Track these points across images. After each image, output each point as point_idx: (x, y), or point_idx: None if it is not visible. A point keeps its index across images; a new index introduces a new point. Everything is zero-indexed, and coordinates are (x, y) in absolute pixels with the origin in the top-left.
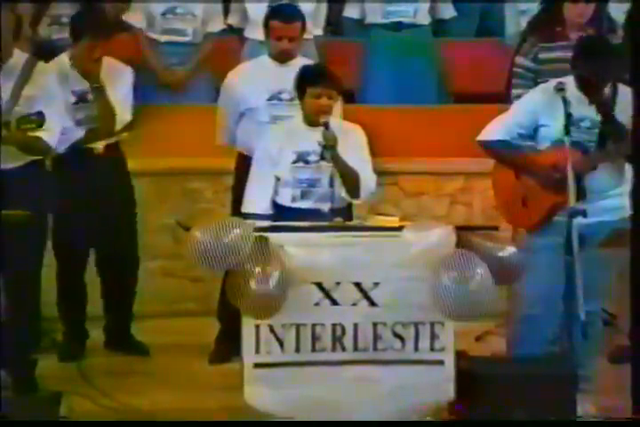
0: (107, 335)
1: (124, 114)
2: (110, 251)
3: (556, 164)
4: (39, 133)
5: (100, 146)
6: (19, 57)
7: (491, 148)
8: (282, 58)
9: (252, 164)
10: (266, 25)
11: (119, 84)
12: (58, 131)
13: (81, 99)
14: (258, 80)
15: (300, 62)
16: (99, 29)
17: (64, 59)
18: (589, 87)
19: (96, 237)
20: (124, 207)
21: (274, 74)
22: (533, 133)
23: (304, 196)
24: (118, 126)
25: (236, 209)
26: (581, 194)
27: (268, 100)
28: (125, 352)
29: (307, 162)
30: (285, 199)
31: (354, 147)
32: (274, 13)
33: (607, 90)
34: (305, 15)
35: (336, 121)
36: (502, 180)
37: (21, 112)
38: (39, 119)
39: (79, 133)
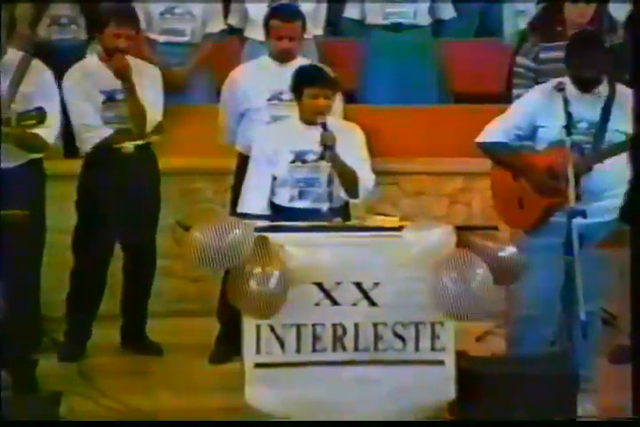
0: (123, 336)
1: (154, 114)
2: (135, 250)
3: (551, 166)
4: (38, 130)
5: (129, 146)
6: (12, 55)
7: (489, 150)
8: (282, 58)
9: (249, 164)
10: (266, 25)
11: (149, 85)
12: (56, 127)
13: (110, 98)
14: (259, 80)
15: (300, 62)
16: (124, 16)
17: (93, 58)
18: (586, 84)
19: (121, 236)
20: (151, 207)
21: (274, 74)
22: (531, 135)
23: (302, 195)
24: (149, 127)
25: (236, 209)
26: (578, 195)
27: (269, 100)
28: (140, 353)
29: (304, 161)
30: (283, 199)
31: (352, 146)
32: (274, 13)
33: (605, 90)
34: (305, 15)
35: (334, 120)
36: (500, 181)
37: (19, 109)
38: (40, 115)
39: (107, 132)
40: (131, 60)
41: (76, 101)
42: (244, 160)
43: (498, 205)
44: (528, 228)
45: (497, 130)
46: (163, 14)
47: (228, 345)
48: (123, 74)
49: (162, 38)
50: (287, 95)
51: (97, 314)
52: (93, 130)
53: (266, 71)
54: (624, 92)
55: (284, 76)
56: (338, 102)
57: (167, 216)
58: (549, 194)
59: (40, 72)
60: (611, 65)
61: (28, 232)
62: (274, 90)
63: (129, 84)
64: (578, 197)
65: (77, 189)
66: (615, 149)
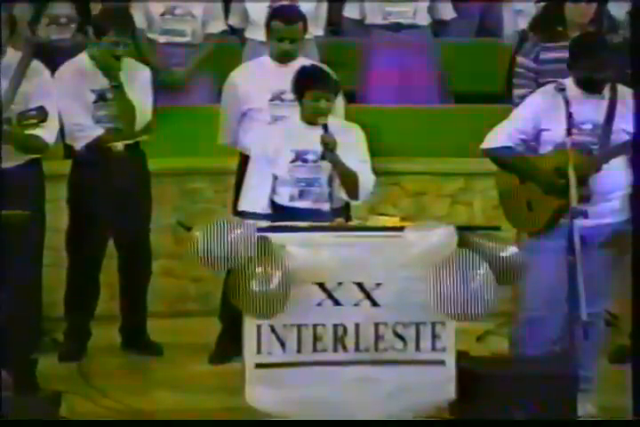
0: (123, 336)
1: (144, 113)
2: (129, 249)
3: (558, 167)
4: (38, 131)
5: (119, 145)
6: (12, 56)
7: (494, 155)
8: (283, 59)
9: (250, 163)
10: (267, 26)
11: (139, 84)
12: (55, 128)
13: (101, 97)
14: (260, 80)
15: (301, 63)
16: (123, 26)
17: (84, 57)
18: (591, 86)
19: (113, 235)
20: (142, 206)
21: (275, 74)
22: (535, 138)
23: (302, 195)
24: (138, 126)
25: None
26: (586, 196)
27: (270, 100)
28: (140, 353)
29: (305, 161)
30: (283, 198)
31: (353, 147)
32: (275, 15)
33: (607, 91)
34: (305, 15)
35: (335, 120)
36: (506, 184)
37: (19, 110)
38: (41, 114)
39: (98, 131)
40: (123, 59)
41: (67, 100)
42: (245, 160)
43: (506, 209)
44: (538, 230)
45: (501, 135)
46: (163, 15)
47: (229, 345)
48: (110, 73)
49: (162, 39)
50: (288, 95)
51: (94, 313)
52: (84, 129)
53: (267, 72)
54: (626, 92)
55: (284, 76)
56: (340, 103)
57: (168, 216)
58: (560, 195)
59: (39, 73)
60: (614, 66)
61: (29, 232)
62: (275, 90)
63: (117, 82)
64: (587, 198)
65: (67, 187)
66: (621, 149)
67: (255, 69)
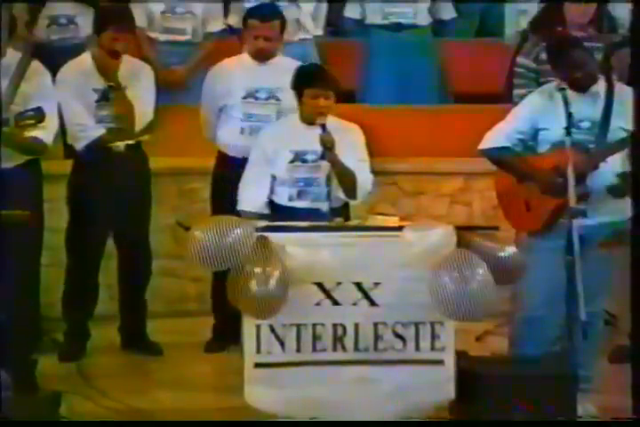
0: (122, 336)
1: (144, 113)
2: (129, 249)
3: (556, 166)
4: (37, 132)
5: (120, 145)
6: (12, 56)
7: (492, 156)
8: (259, 57)
9: (248, 162)
10: (244, 24)
11: (140, 83)
12: (54, 129)
13: (103, 97)
14: (236, 77)
15: (279, 61)
16: (122, 21)
17: (87, 57)
18: (577, 84)
19: (113, 235)
20: (142, 206)
21: (251, 72)
22: (533, 137)
23: (301, 195)
24: (139, 126)
25: (217, 209)
26: (584, 194)
27: (244, 98)
28: (140, 353)
29: (304, 161)
30: (282, 198)
31: (352, 146)
32: (251, 12)
33: (603, 87)
34: (283, 14)
35: (334, 120)
36: (504, 184)
37: (18, 111)
38: (38, 115)
39: (100, 131)
40: (125, 58)
41: (70, 100)
42: (222, 158)
43: (504, 209)
44: (537, 229)
45: (499, 135)
46: (164, 13)
47: (224, 337)
48: (106, 73)
49: (162, 37)
50: (263, 94)
51: (93, 313)
52: (86, 130)
53: (243, 69)
54: (623, 89)
55: (260, 74)
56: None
57: (167, 216)
58: (559, 194)
59: (40, 74)
60: (591, 63)
61: (27, 232)
62: (249, 88)
63: (115, 82)
64: (585, 197)
65: (68, 187)
66: (618, 146)
67: (234, 66)
